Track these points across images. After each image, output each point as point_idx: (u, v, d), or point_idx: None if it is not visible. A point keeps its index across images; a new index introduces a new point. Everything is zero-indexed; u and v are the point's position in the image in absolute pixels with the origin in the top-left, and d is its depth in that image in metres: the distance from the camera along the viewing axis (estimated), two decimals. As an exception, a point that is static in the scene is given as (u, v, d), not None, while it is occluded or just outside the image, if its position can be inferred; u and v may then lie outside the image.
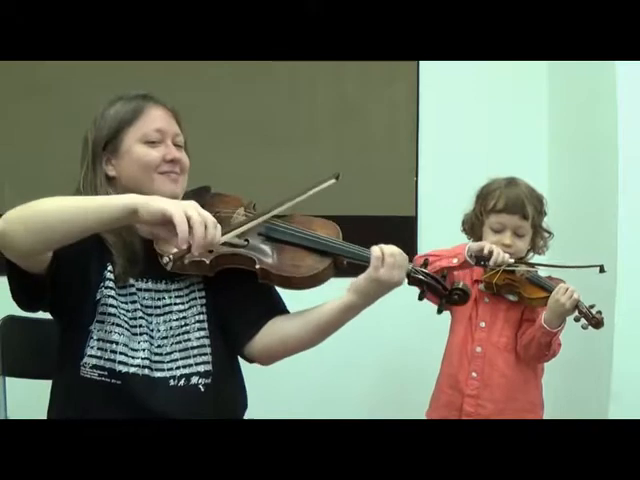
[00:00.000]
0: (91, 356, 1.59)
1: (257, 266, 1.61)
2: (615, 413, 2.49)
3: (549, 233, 2.32)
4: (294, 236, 1.68)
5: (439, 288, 1.66)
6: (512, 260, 2.19)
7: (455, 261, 2.18)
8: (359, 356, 2.77)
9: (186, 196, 1.68)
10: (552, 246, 2.37)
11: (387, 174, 3.03)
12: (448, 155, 3.00)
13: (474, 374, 2.27)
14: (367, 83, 3.00)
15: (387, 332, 2.77)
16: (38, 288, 1.54)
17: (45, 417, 1.65)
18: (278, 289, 1.74)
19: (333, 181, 1.75)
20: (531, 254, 2.33)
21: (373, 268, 1.61)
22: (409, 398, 2.63)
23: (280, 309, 1.73)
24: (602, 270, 2.18)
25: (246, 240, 1.65)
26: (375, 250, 1.62)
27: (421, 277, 1.66)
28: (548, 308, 2.14)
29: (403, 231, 3.04)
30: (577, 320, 2.13)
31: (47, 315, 1.80)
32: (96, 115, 1.69)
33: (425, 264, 1.68)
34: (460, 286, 1.66)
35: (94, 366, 1.58)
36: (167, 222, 1.38)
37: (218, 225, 1.42)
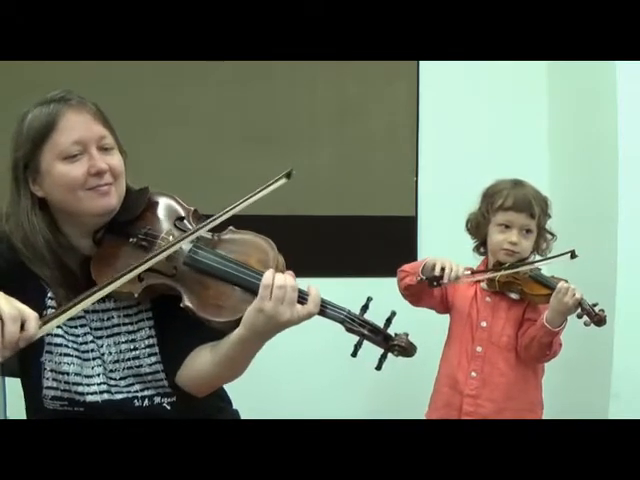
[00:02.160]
0: (48, 388, 1.54)
1: (182, 304, 1.48)
2: (615, 413, 2.49)
3: (552, 235, 2.33)
4: (219, 268, 1.49)
5: (378, 339, 1.47)
6: (468, 272, 2.23)
7: (418, 279, 2.22)
8: (358, 356, 2.77)
9: (127, 199, 1.57)
10: (553, 245, 2.37)
11: (387, 174, 3.04)
12: (448, 155, 3.00)
13: (474, 374, 2.27)
14: (367, 83, 3.00)
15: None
16: None
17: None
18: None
19: (284, 180, 1.53)
20: (533, 255, 2.33)
21: (259, 298, 1.43)
22: (407, 399, 2.63)
23: (209, 336, 1.56)
24: (573, 256, 2.18)
25: (174, 268, 1.51)
26: (266, 277, 1.44)
27: (355, 327, 1.46)
28: (550, 307, 2.14)
29: (403, 231, 3.05)
30: (580, 317, 2.14)
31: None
32: (15, 126, 1.53)
33: (366, 307, 1.49)
34: (403, 343, 1.47)
35: (54, 397, 1.54)
36: None
37: (29, 316, 1.28)
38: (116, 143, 1.56)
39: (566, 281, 2.18)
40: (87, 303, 1.38)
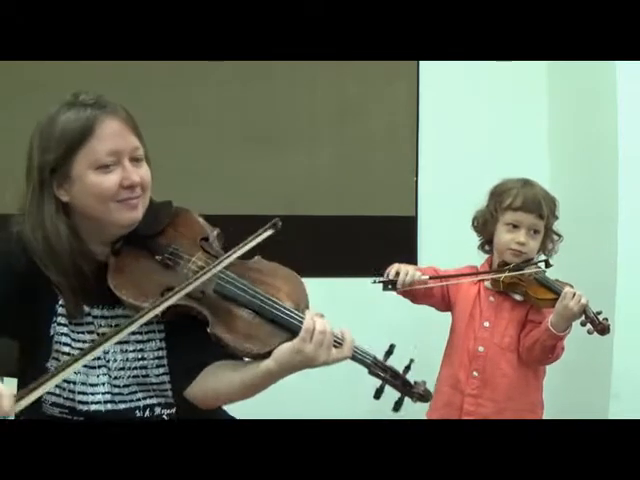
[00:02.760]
0: (50, 393, 1.51)
1: (209, 330, 1.47)
2: (615, 413, 2.49)
3: (558, 236, 2.32)
4: (252, 302, 1.50)
5: (398, 384, 1.53)
6: (426, 277, 2.24)
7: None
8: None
9: (149, 211, 1.54)
10: (558, 247, 2.37)
11: (387, 174, 3.03)
12: (448, 155, 3.00)
13: (475, 373, 2.27)
14: (367, 83, 3.00)
15: (387, 331, 2.77)
16: None
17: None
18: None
19: (271, 232, 1.51)
20: (539, 256, 2.33)
21: (300, 339, 1.45)
22: (408, 399, 2.63)
23: (222, 353, 1.55)
24: (548, 265, 2.21)
25: (202, 292, 1.49)
26: (307, 322, 1.46)
27: (379, 372, 1.52)
28: (556, 312, 2.13)
29: (403, 231, 3.05)
30: (583, 325, 2.13)
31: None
32: (42, 126, 1.49)
33: (389, 352, 1.53)
34: (421, 391, 1.54)
35: (54, 403, 1.53)
36: None
37: (3, 394, 1.23)
38: (145, 153, 1.54)
39: (571, 286, 2.18)
40: (60, 376, 1.33)
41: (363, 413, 2.79)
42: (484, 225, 2.33)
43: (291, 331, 1.48)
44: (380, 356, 1.53)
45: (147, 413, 1.56)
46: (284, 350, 1.46)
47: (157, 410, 1.57)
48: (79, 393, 1.52)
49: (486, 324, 2.27)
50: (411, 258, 3.05)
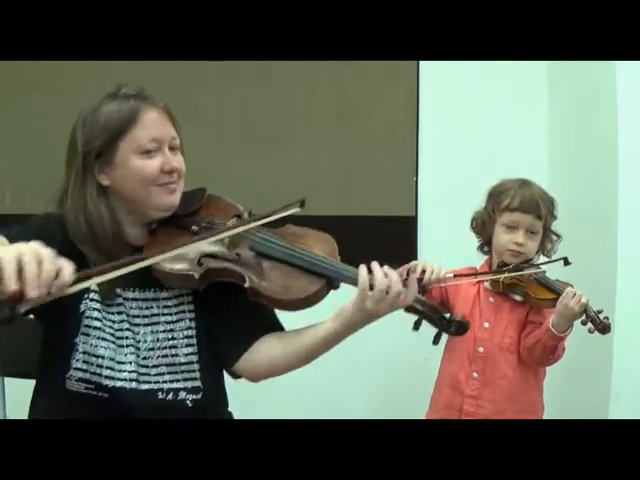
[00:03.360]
0: (77, 369, 1.55)
1: (246, 284, 1.54)
2: (615, 413, 2.49)
3: (557, 236, 2.32)
4: (286, 254, 1.58)
5: (436, 319, 1.59)
6: (451, 275, 2.23)
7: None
8: (359, 356, 2.77)
9: (183, 197, 1.63)
10: (557, 247, 2.36)
11: (387, 174, 3.04)
12: (448, 155, 3.00)
13: (475, 374, 2.26)
14: (367, 83, 3.00)
15: (387, 332, 2.77)
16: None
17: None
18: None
19: (298, 209, 1.62)
20: (538, 256, 2.33)
21: (360, 299, 1.52)
22: (408, 399, 2.63)
23: (271, 325, 1.67)
24: (567, 262, 2.20)
25: (237, 254, 1.57)
26: (362, 277, 1.53)
27: (418, 307, 1.58)
28: (557, 312, 2.13)
29: (403, 231, 3.05)
30: (584, 324, 2.13)
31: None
32: (85, 115, 1.58)
33: (424, 291, 1.60)
34: (458, 319, 1.59)
35: (80, 379, 1.55)
36: None
37: (66, 266, 1.26)
38: (180, 143, 1.63)
39: (572, 286, 2.18)
40: (127, 270, 1.40)
41: (363, 414, 2.80)
42: (483, 226, 2.33)
43: (327, 277, 1.56)
44: None
45: (170, 396, 1.59)
46: (346, 310, 1.54)
47: (182, 394, 1.59)
48: (106, 368, 1.56)
49: (486, 325, 2.27)
50: (411, 258, 3.05)
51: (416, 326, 1.61)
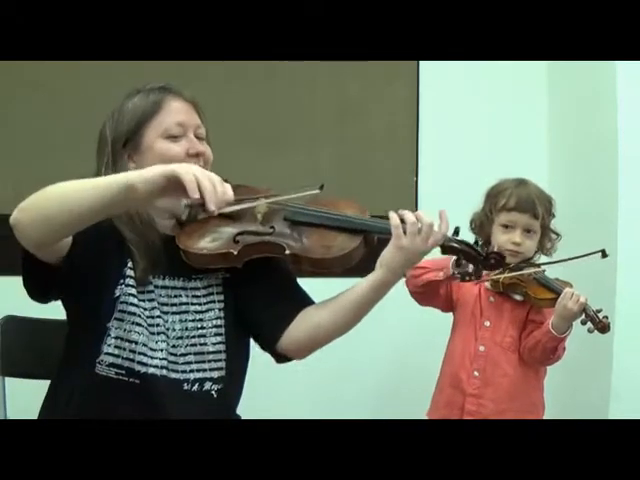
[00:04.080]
0: (108, 354, 1.55)
1: (287, 252, 1.58)
2: (615, 413, 2.49)
3: (557, 235, 2.32)
4: (321, 217, 1.63)
5: (473, 254, 1.62)
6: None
7: (441, 275, 2.20)
8: (359, 356, 2.77)
9: None
10: (557, 246, 2.36)
11: (387, 174, 3.03)
12: (448, 155, 3.00)
13: (476, 373, 2.26)
14: (367, 83, 3.00)
15: (387, 331, 2.77)
16: (52, 278, 1.52)
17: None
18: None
19: (317, 191, 1.65)
20: (538, 255, 2.33)
21: (395, 237, 1.56)
22: (409, 398, 2.63)
23: (307, 302, 1.69)
24: (604, 255, 2.17)
25: (272, 227, 1.61)
26: (393, 218, 1.57)
27: (454, 245, 1.61)
28: (556, 313, 2.14)
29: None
30: (584, 323, 2.14)
31: (47, 315, 1.79)
32: (113, 110, 1.65)
33: (457, 231, 1.62)
34: (495, 249, 1.64)
35: (111, 364, 1.55)
36: (171, 186, 1.38)
37: (226, 184, 1.42)
38: (206, 134, 1.67)
39: (570, 285, 2.18)
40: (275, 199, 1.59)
41: (363, 413, 2.79)
42: (481, 227, 2.34)
43: (364, 233, 1.62)
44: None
45: (196, 387, 1.59)
46: (386, 254, 1.59)
47: (207, 385, 1.60)
48: (139, 354, 1.56)
49: (487, 323, 2.27)
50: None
51: (457, 264, 1.65)
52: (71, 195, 1.41)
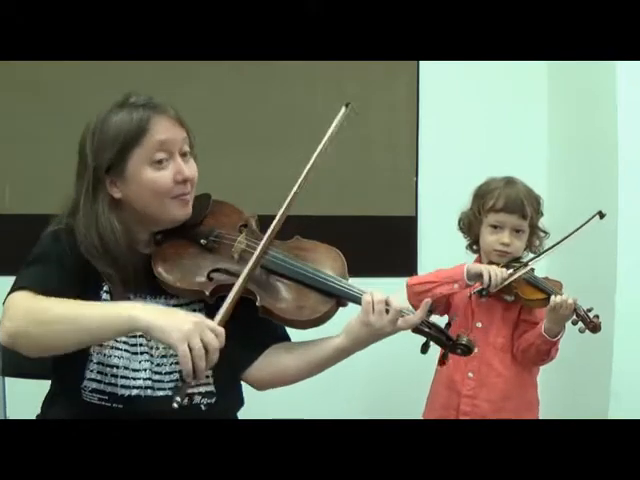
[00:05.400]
0: (91, 379, 1.54)
1: (258, 303, 1.53)
2: (615, 413, 2.49)
3: (545, 233, 2.33)
4: (299, 273, 1.57)
5: (443, 339, 1.57)
6: (510, 271, 2.21)
7: (456, 287, 2.21)
8: (353, 358, 2.77)
9: None
10: (545, 244, 2.36)
11: (387, 174, 3.03)
12: (448, 155, 3.00)
13: (470, 374, 2.27)
14: (367, 83, 3.00)
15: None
16: None
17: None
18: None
19: (345, 111, 1.66)
20: (526, 253, 2.33)
21: (363, 312, 1.53)
22: (403, 401, 2.62)
23: (280, 335, 1.67)
24: (602, 216, 2.18)
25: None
26: (366, 295, 1.54)
27: (425, 329, 1.56)
28: (547, 318, 2.14)
29: (403, 231, 3.05)
30: (575, 324, 2.14)
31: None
32: (94, 127, 1.54)
33: (431, 311, 1.57)
34: (464, 342, 1.56)
35: (94, 390, 1.54)
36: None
37: (220, 335, 1.40)
38: (191, 147, 1.61)
39: (561, 285, 2.18)
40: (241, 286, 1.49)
41: (358, 415, 2.79)
42: (469, 226, 2.34)
43: (337, 297, 1.56)
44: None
45: (185, 401, 1.55)
46: (352, 325, 1.55)
47: (196, 399, 1.58)
48: (121, 377, 1.54)
49: (478, 324, 2.27)
50: (411, 258, 3.05)
51: (424, 348, 1.56)
52: (75, 330, 1.40)
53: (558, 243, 2.24)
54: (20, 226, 2.48)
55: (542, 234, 2.32)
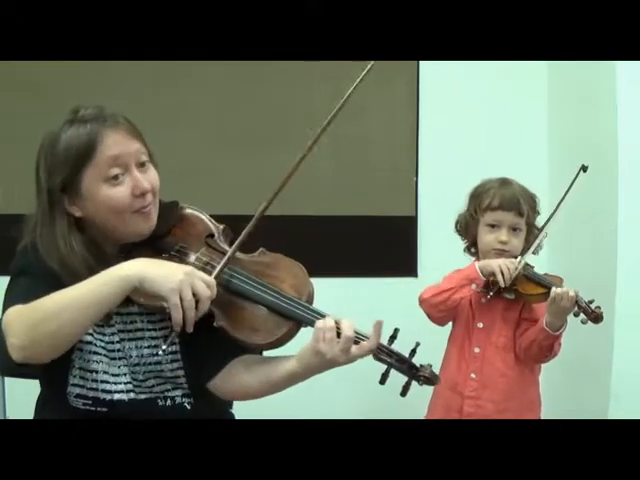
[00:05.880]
0: (74, 385, 1.54)
1: (215, 323, 1.49)
2: (615, 413, 2.49)
3: (541, 231, 2.32)
4: (255, 294, 1.51)
5: (404, 368, 1.50)
6: (518, 259, 2.20)
7: (474, 286, 2.22)
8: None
9: (158, 213, 1.58)
10: (552, 246, 2.36)
11: (387, 174, 3.04)
12: (448, 155, 3.00)
13: (473, 375, 2.26)
14: (367, 83, 3.00)
15: (388, 332, 2.77)
16: None
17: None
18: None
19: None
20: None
21: (314, 339, 1.46)
22: (406, 404, 2.62)
23: (242, 348, 1.60)
24: (584, 169, 2.23)
25: None
26: (319, 321, 1.47)
27: (385, 358, 1.50)
28: (548, 312, 2.14)
29: (403, 231, 3.05)
30: (577, 315, 2.14)
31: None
32: (45, 147, 1.51)
33: (393, 337, 1.51)
34: (427, 374, 1.50)
35: (78, 395, 1.54)
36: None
37: (211, 285, 1.41)
38: (149, 155, 1.56)
39: (561, 280, 2.18)
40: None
41: (362, 413, 2.79)
42: (466, 228, 2.34)
43: (295, 320, 1.50)
44: (384, 341, 1.51)
45: (169, 402, 1.58)
46: (304, 351, 1.48)
47: (178, 399, 1.58)
48: (102, 382, 1.54)
49: (480, 325, 2.27)
50: (411, 258, 3.05)
51: (382, 379, 1.49)
52: (74, 312, 1.40)
53: (552, 214, 2.24)
54: (20, 226, 2.49)
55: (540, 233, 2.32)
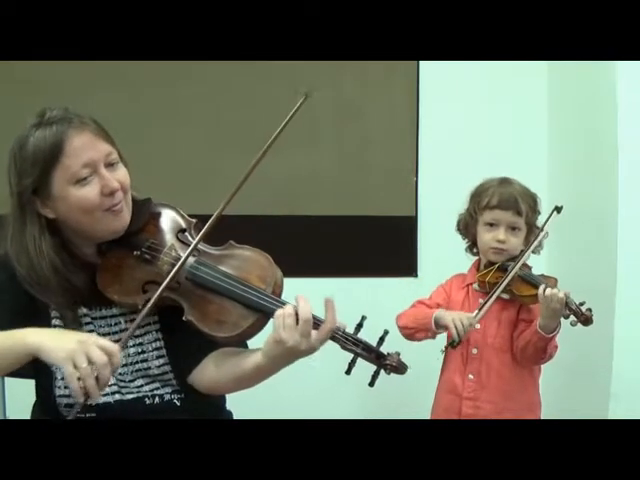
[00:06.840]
0: (61, 396, 1.56)
1: (184, 317, 1.51)
2: (614, 413, 2.49)
3: (542, 231, 2.32)
4: (220, 285, 1.52)
5: (371, 357, 1.49)
6: (474, 313, 2.21)
7: (430, 334, 2.26)
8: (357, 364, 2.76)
9: (132, 207, 1.59)
10: (552, 246, 2.36)
11: (387, 174, 3.03)
12: (448, 155, 3.00)
13: (471, 376, 2.26)
14: (367, 83, 3.00)
15: (387, 339, 2.76)
16: None
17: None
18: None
19: (303, 99, 1.56)
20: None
21: (275, 327, 1.46)
22: (410, 406, 2.62)
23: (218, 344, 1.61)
24: (559, 210, 2.21)
25: (177, 282, 1.53)
26: (277, 310, 1.47)
27: (351, 347, 1.48)
28: (540, 314, 2.14)
29: (403, 231, 3.05)
30: (566, 317, 2.13)
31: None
32: (14, 151, 1.51)
33: (360, 325, 1.49)
34: (394, 362, 1.48)
35: (67, 405, 1.55)
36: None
37: (111, 351, 1.36)
38: (119, 155, 1.56)
39: (555, 280, 2.18)
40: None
41: (362, 413, 2.79)
42: (466, 227, 2.35)
43: (262, 312, 1.50)
44: (350, 329, 1.49)
45: (157, 400, 1.59)
46: (268, 342, 1.48)
47: (167, 396, 1.60)
48: None
49: (477, 326, 2.27)
50: (411, 258, 3.05)
51: (348, 368, 1.48)
52: None
53: (529, 247, 2.24)
54: None
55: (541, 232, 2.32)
